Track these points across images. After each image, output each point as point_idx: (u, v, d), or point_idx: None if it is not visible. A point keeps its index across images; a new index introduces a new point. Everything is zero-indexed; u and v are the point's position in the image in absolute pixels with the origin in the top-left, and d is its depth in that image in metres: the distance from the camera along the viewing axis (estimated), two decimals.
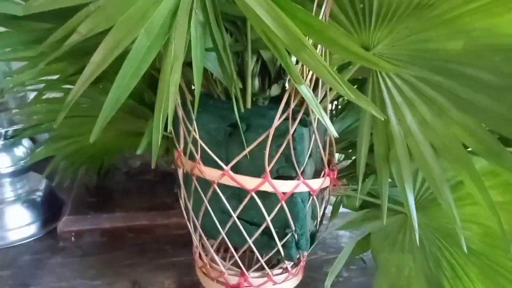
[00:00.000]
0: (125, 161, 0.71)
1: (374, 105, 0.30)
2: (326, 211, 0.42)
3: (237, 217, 0.36)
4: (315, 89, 0.33)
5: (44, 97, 0.46)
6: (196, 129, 0.35)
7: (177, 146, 0.39)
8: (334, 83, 0.25)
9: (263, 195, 0.35)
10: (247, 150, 0.34)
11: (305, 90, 0.27)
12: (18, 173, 0.56)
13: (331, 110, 0.43)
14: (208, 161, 0.35)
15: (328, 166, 0.37)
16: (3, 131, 0.51)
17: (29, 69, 0.38)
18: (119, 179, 0.69)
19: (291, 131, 0.32)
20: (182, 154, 0.38)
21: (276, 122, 0.32)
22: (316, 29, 0.25)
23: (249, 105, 0.35)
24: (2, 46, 0.36)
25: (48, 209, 0.60)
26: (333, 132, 0.29)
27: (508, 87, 0.28)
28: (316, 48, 0.30)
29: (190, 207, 0.40)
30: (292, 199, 0.35)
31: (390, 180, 0.36)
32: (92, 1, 0.28)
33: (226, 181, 0.35)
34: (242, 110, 0.33)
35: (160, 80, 0.29)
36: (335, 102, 0.44)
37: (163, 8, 0.28)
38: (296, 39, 0.24)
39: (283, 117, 0.32)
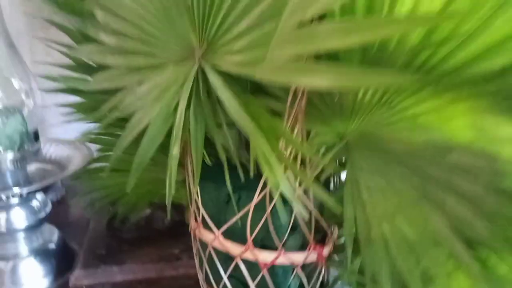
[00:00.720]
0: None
1: (331, 198, 0.34)
2: None
3: (233, 276, 0.41)
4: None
5: None
6: (199, 194, 0.42)
7: (190, 207, 0.46)
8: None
9: (249, 262, 0.40)
10: (234, 219, 0.40)
11: (273, 178, 0.32)
12: (33, 227, 0.62)
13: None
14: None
15: (323, 240, 0.42)
16: (19, 192, 0.57)
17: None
18: (128, 228, 0.74)
19: (269, 208, 0.37)
20: (192, 215, 0.45)
21: (255, 200, 0.37)
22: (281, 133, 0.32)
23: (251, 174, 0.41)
24: (77, 112, 0.52)
25: (61, 261, 0.66)
26: (303, 213, 0.33)
27: (465, 189, 0.31)
28: None
29: (197, 263, 0.47)
30: (273, 269, 0.40)
31: None
32: (126, 86, 0.40)
33: (218, 245, 0.41)
34: (243, 180, 0.38)
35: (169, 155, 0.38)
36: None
37: (168, 101, 0.38)
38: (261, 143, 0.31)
39: (262, 194, 0.37)
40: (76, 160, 0.67)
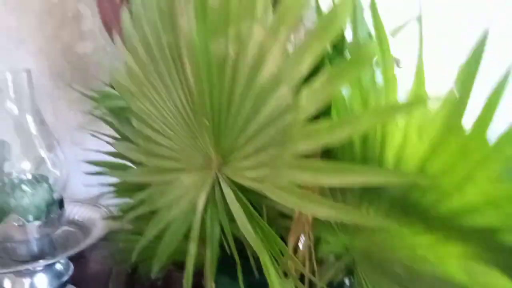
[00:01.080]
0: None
1: None
2: None
3: None
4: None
5: None
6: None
7: None
8: None
9: None
10: None
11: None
12: None
13: None
14: None
15: None
16: (44, 263, 0.62)
17: None
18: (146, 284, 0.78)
19: None
20: None
21: None
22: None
23: None
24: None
25: None
26: None
27: None
28: None
29: None
30: None
31: None
32: (154, 183, 0.47)
33: None
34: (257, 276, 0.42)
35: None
36: None
37: (188, 203, 0.43)
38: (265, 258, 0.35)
39: None
40: (99, 223, 0.72)
